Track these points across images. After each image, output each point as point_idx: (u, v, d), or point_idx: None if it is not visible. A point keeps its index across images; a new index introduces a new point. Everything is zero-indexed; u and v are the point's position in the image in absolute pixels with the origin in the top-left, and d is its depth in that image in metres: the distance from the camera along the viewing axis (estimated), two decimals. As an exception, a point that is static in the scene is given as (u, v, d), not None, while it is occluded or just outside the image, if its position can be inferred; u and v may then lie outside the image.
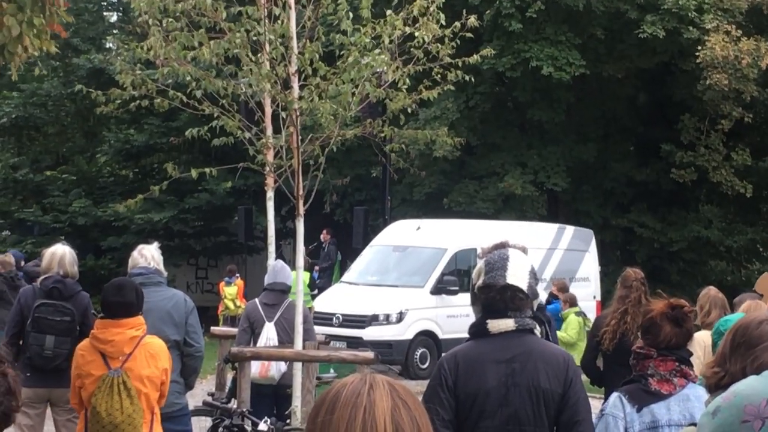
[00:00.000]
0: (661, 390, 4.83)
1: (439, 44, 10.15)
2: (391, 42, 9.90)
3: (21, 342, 8.82)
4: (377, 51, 9.72)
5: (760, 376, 2.97)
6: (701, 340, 7.77)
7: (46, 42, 9.29)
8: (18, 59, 9.10)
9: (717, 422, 2.50)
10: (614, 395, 4.94)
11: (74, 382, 6.99)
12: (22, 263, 16.91)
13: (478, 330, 4.71)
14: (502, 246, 4.79)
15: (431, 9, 10.06)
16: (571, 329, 16.65)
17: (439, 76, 10.61)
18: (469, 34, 10.51)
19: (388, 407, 2.10)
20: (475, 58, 10.70)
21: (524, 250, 4.83)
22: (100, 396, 6.71)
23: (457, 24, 10.32)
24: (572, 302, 17.44)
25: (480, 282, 4.71)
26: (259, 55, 10.07)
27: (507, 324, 4.64)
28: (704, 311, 8.60)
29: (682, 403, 4.75)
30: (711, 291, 8.87)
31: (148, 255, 8.59)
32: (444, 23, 10.17)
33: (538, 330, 4.74)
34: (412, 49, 10.18)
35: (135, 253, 8.63)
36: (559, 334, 17.15)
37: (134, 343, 6.85)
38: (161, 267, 8.60)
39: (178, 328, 8.29)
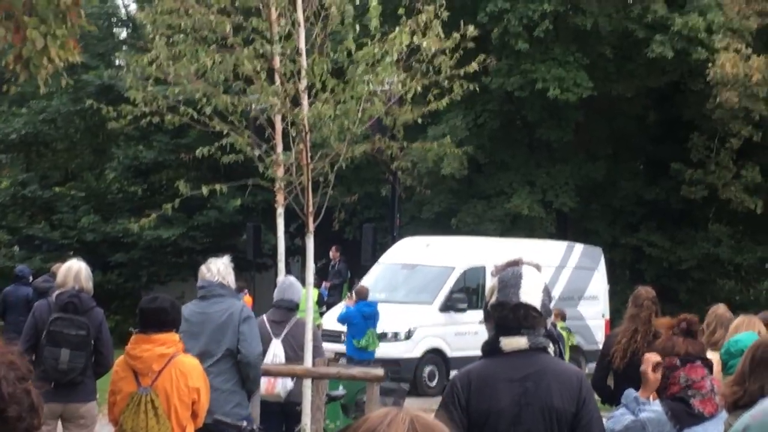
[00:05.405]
0: (704, 411, 4.75)
1: (444, 55, 10.07)
2: (398, 59, 9.84)
3: (34, 356, 8.80)
4: (387, 60, 9.63)
5: None
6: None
7: (71, 52, 9.28)
8: (44, 72, 9.10)
9: None
10: (658, 405, 4.86)
11: (109, 398, 6.98)
12: (31, 279, 16.94)
13: (491, 348, 4.67)
14: (516, 263, 4.73)
15: (434, 23, 9.98)
16: None
17: (445, 89, 10.52)
18: (471, 44, 10.39)
19: None
20: (473, 66, 10.54)
21: (538, 267, 4.78)
22: (127, 414, 6.70)
23: (457, 35, 10.22)
24: (563, 317, 17.84)
25: (493, 300, 4.66)
26: (263, 71, 10.00)
27: (520, 342, 4.60)
28: (710, 329, 8.25)
29: (719, 426, 4.67)
30: (719, 309, 8.53)
31: (214, 269, 8.54)
32: (443, 36, 10.08)
33: (551, 348, 4.69)
34: (415, 64, 10.12)
35: (203, 268, 8.59)
36: None
37: (164, 360, 6.78)
38: (227, 279, 8.47)
39: (232, 336, 8.28)
